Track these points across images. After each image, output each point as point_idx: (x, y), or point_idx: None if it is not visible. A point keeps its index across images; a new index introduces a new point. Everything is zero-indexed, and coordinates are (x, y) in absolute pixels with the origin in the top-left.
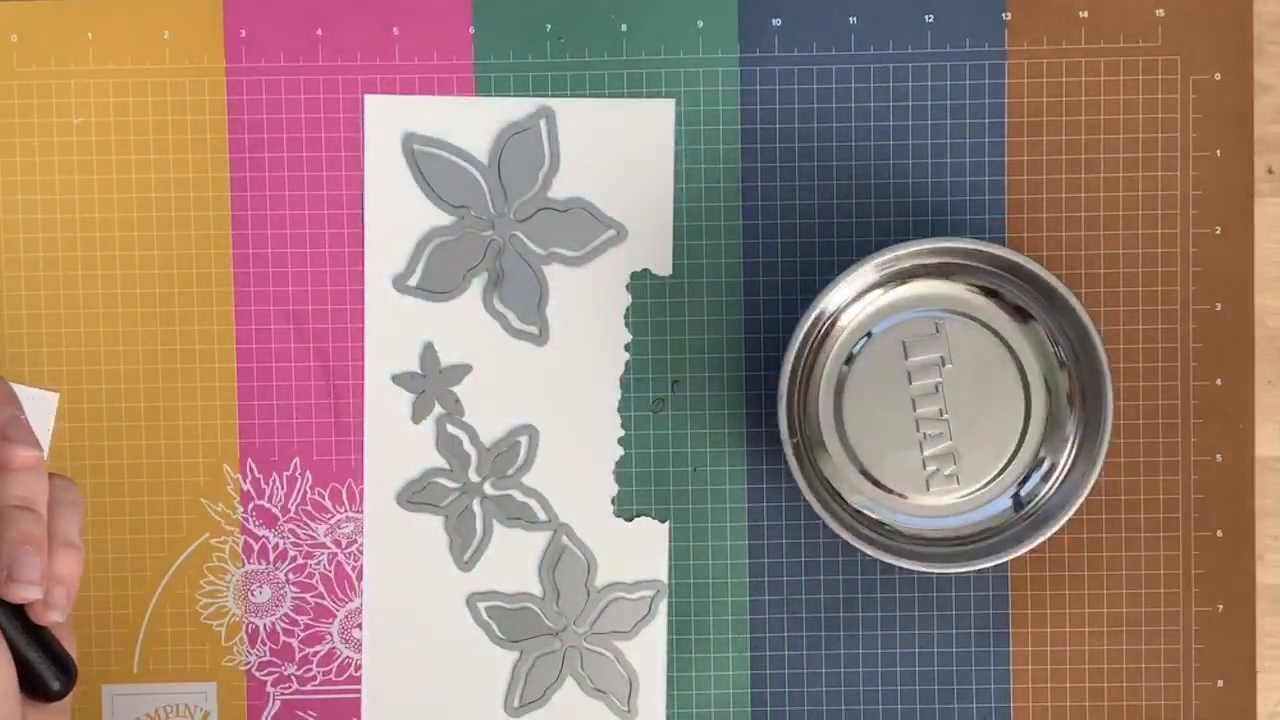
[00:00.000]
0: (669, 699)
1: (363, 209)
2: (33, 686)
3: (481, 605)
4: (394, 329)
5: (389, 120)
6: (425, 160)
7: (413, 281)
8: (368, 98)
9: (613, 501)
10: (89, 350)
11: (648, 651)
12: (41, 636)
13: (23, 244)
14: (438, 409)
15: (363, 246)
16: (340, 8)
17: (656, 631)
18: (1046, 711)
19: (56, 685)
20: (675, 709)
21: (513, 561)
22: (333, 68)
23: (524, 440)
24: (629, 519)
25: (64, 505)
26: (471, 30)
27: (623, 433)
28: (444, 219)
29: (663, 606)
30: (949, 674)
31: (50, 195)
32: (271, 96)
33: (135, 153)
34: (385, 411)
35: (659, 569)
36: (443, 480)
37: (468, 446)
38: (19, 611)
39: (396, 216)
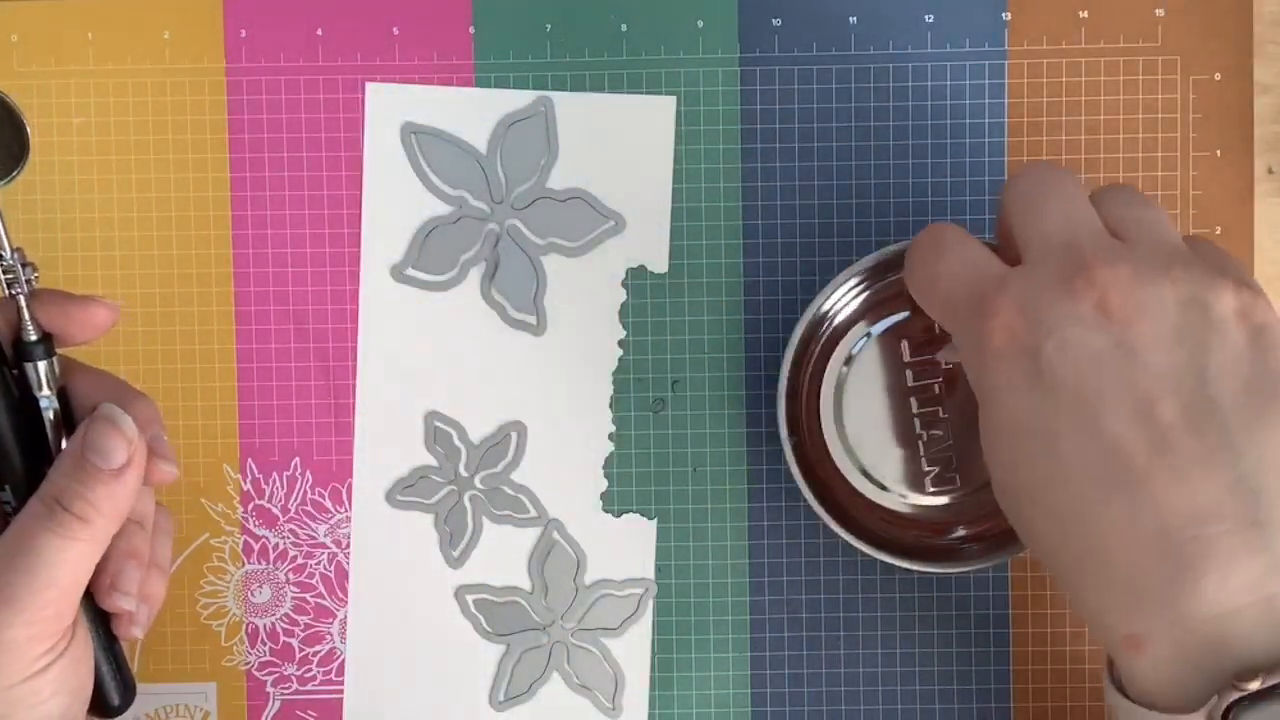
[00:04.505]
0: (668, 699)
1: (362, 206)
2: (94, 698)
3: (470, 598)
4: (391, 319)
5: (389, 108)
6: (424, 149)
7: (410, 271)
8: (369, 85)
9: (602, 498)
10: (89, 351)
11: (635, 649)
12: (115, 651)
13: (22, 244)
14: (429, 403)
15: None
16: (340, 8)
17: (644, 630)
18: (1046, 711)
19: (117, 700)
20: (675, 709)
21: (502, 556)
22: (333, 68)
23: (514, 435)
24: (617, 515)
25: (161, 531)
26: (471, 30)
27: (614, 429)
28: (442, 208)
29: (650, 605)
30: (949, 674)
31: (50, 195)
32: (271, 96)
33: (135, 153)
34: (376, 407)
35: (648, 567)
36: (432, 477)
37: (457, 442)
38: (104, 622)
39: (395, 205)
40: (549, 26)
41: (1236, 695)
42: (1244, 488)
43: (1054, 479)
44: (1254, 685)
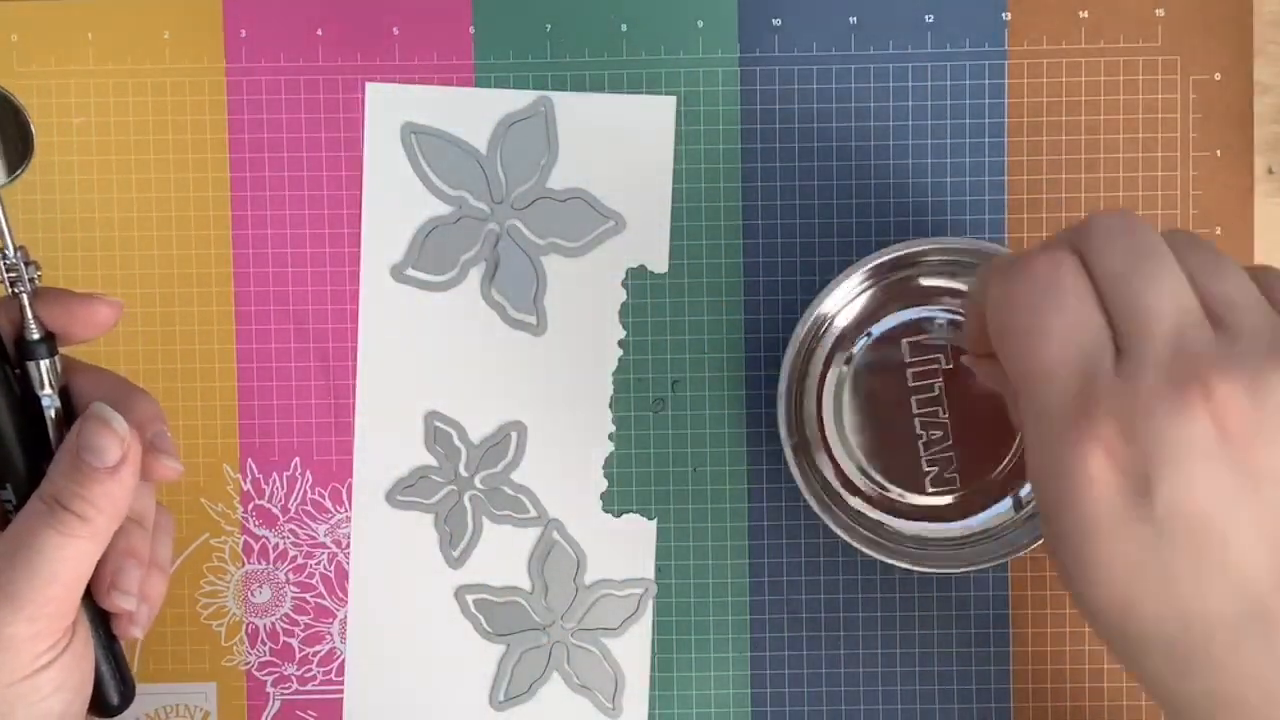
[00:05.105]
0: (668, 699)
1: (362, 206)
2: (94, 698)
3: (470, 598)
4: (391, 319)
5: (389, 108)
6: (424, 149)
7: (410, 271)
8: (369, 85)
9: (602, 498)
10: (89, 350)
11: (635, 649)
12: (115, 650)
13: (22, 244)
14: (429, 403)
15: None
16: (340, 8)
17: (644, 630)
18: (1046, 711)
19: (117, 700)
20: (675, 709)
21: (502, 556)
22: (333, 68)
23: (514, 435)
24: (617, 515)
25: (161, 530)
26: (471, 30)
27: (614, 429)
28: (442, 208)
29: (650, 605)
30: (949, 674)
31: (50, 195)
32: (271, 96)
33: (135, 153)
34: (376, 407)
35: (648, 567)
36: (432, 477)
37: (457, 442)
38: (104, 621)
39: (395, 205)
40: (549, 26)
41: None
42: None
43: (1175, 622)
44: None
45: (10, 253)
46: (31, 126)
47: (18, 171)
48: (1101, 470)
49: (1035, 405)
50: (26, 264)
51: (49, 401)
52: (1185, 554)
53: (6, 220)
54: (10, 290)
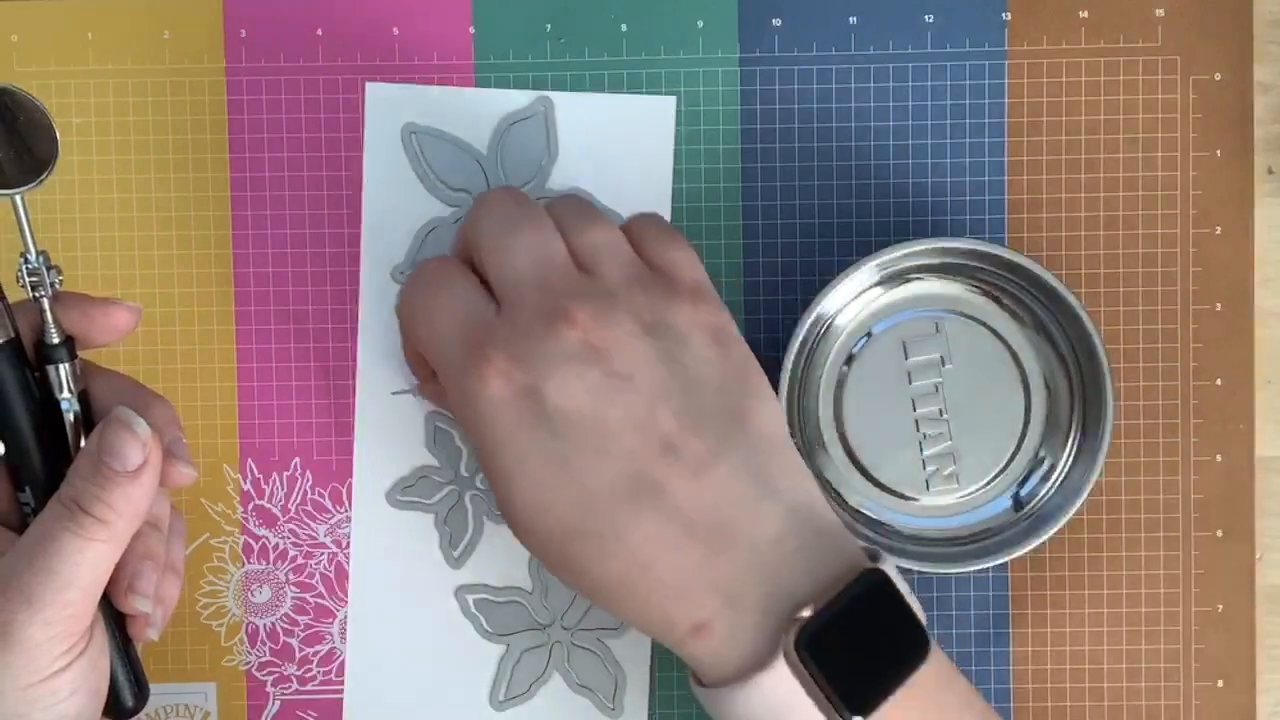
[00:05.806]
0: (669, 699)
1: (362, 206)
2: (108, 700)
3: (470, 597)
4: (391, 320)
5: (389, 108)
6: (424, 149)
7: (411, 271)
8: (368, 85)
9: None
10: (89, 351)
11: (635, 649)
12: (130, 652)
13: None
14: (429, 403)
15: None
16: (340, 8)
17: None
18: (1046, 711)
19: (131, 702)
20: (676, 709)
21: (503, 556)
22: (333, 67)
23: None
24: None
25: (175, 533)
26: (471, 30)
27: None
28: (443, 208)
29: None
30: None
31: (50, 195)
32: (271, 96)
33: (135, 153)
34: (376, 407)
35: None
36: (433, 477)
37: (458, 442)
38: (119, 624)
39: (395, 205)
40: (549, 26)
41: (798, 626)
42: (746, 467)
43: (582, 506)
44: (807, 613)
45: (32, 257)
46: (56, 130)
47: (43, 176)
48: (499, 389)
49: (443, 363)
50: (48, 268)
51: (68, 405)
52: (576, 443)
53: (29, 224)
54: (31, 294)
